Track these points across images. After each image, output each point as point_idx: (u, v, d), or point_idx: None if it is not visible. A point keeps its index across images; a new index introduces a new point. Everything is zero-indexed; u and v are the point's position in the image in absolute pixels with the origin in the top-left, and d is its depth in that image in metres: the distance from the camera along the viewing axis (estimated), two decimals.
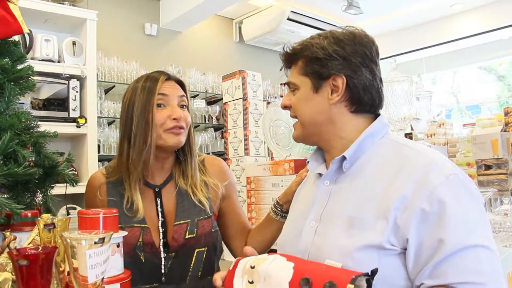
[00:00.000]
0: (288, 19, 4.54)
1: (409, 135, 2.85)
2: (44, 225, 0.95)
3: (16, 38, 1.51)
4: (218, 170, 1.53)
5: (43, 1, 3.11)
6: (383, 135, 1.11)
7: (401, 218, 0.92)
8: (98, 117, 3.38)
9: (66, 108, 3.16)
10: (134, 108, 1.36)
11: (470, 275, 0.86)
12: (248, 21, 4.89)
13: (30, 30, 3.06)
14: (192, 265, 1.36)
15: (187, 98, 1.45)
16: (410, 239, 0.91)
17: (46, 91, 3.14)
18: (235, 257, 1.52)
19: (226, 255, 1.60)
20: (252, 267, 0.93)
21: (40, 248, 0.88)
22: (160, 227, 1.37)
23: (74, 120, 3.17)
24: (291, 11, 4.52)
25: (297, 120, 1.17)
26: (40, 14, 3.14)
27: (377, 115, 1.14)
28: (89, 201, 1.47)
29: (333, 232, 1.02)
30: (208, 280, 1.36)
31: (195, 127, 4.18)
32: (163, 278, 1.33)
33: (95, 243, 0.84)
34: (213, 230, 1.41)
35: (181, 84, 1.46)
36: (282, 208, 1.42)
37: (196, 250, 1.36)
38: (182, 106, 1.42)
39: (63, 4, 3.25)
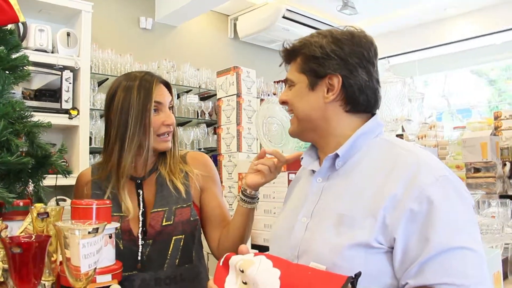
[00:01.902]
0: (284, 17, 4.54)
1: (400, 136, 2.87)
2: (38, 214, 0.96)
3: (12, 27, 1.51)
4: (200, 163, 1.56)
5: None
6: (377, 135, 1.12)
7: (390, 217, 0.93)
8: (90, 109, 3.37)
9: (58, 99, 3.14)
10: (130, 111, 1.40)
11: (454, 276, 0.87)
12: (244, 18, 4.89)
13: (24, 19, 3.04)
14: (169, 252, 1.40)
15: (173, 99, 1.52)
16: (398, 238, 0.92)
17: (38, 82, 3.11)
18: (210, 248, 1.53)
19: (206, 246, 1.61)
20: (242, 271, 0.93)
21: (34, 236, 0.88)
22: (140, 216, 1.41)
23: (66, 111, 3.15)
24: (287, 9, 4.53)
25: (293, 115, 1.18)
26: (34, 3, 3.11)
27: (373, 115, 1.15)
28: (77, 196, 1.53)
29: (323, 229, 1.03)
30: (185, 268, 1.42)
31: (188, 122, 4.18)
32: (139, 264, 1.37)
33: (89, 233, 0.85)
34: (192, 219, 1.45)
35: (168, 86, 1.52)
36: (245, 193, 1.42)
37: (174, 237, 1.40)
38: (170, 108, 1.49)
39: None
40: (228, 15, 5.02)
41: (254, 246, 2.17)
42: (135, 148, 1.40)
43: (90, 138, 3.38)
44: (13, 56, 1.45)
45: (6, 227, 1.16)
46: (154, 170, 1.49)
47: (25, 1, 3.01)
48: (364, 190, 1.01)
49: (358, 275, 0.86)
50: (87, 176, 1.52)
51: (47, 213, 0.96)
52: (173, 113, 1.51)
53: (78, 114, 3.20)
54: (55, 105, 3.13)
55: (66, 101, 3.16)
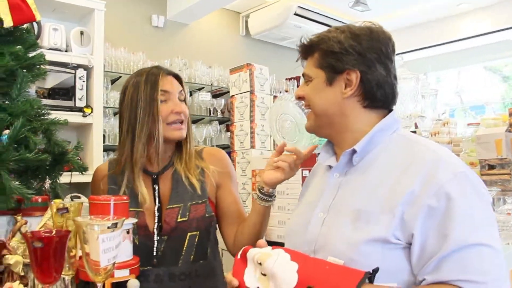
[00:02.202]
0: (295, 14, 4.52)
1: (413, 133, 2.84)
2: (57, 209, 0.97)
3: (28, 26, 1.53)
4: (216, 159, 1.56)
5: None
6: (394, 131, 1.12)
7: (408, 213, 0.93)
8: (104, 107, 3.40)
9: (71, 98, 3.16)
10: (139, 103, 1.43)
11: (472, 273, 0.87)
12: (255, 15, 4.89)
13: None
14: (184, 248, 1.41)
15: (184, 92, 1.52)
16: (416, 234, 0.92)
17: (52, 80, 3.14)
18: (226, 244, 1.53)
19: (221, 243, 1.62)
20: (260, 264, 0.94)
21: (54, 231, 0.89)
22: (156, 212, 1.43)
23: (80, 109, 3.18)
24: (298, 7, 4.51)
25: (310, 111, 1.18)
26: (48, 3, 3.14)
27: (390, 111, 1.15)
28: (94, 191, 1.54)
29: (340, 224, 1.03)
30: (200, 264, 1.42)
31: (200, 119, 4.19)
32: (155, 260, 1.38)
33: (108, 228, 0.86)
34: (207, 215, 1.45)
35: (178, 78, 1.53)
36: (262, 191, 1.42)
37: (189, 233, 1.41)
38: (181, 101, 1.49)
39: None
40: (240, 13, 5.02)
41: (268, 243, 2.17)
42: (145, 137, 1.42)
43: (104, 136, 3.40)
44: (30, 55, 1.47)
45: (26, 223, 1.18)
46: (170, 166, 1.50)
47: (39, 1, 3.02)
48: (382, 185, 1.00)
49: (376, 270, 0.87)
50: (103, 171, 1.54)
51: (66, 209, 0.98)
52: (186, 105, 1.51)
53: (91, 112, 3.23)
54: (69, 103, 3.16)
55: (80, 99, 3.19)
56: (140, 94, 1.43)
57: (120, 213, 1.09)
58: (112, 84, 3.61)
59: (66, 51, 3.21)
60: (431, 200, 0.92)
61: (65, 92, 3.17)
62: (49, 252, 0.85)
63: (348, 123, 1.12)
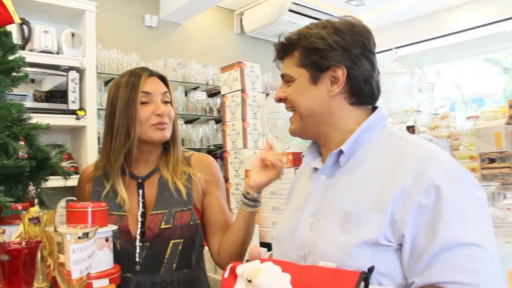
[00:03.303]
0: (290, 10, 4.47)
1: (411, 128, 2.81)
2: (29, 219, 0.93)
3: (12, 28, 1.50)
4: (204, 166, 1.52)
5: None
6: (381, 128, 1.08)
7: (398, 212, 0.90)
8: (98, 109, 3.35)
9: (65, 100, 3.13)
10: (118, 103, 1.41)
11: (462, 274, 0.83)
12: (249, 13, 4.83)
13: (28, 21, 3.04)
14: (167, 256, 1.37)
15: (170, 93, 1.49)
16: (406, 234, 0.88)
17: (48, 84, 3.11)
18: (211, 252, 1.49)
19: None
20: (249, 281, 0.89)
21: (24, 242, 0.86)
22: (139, 217, 1.39)
23: (73, 112, 3.14)
24: (292, 2, 4.45)
25: (293, 113, 1.13)
26: (38, 5, 3.10)
27: (374, 108, 1.12)
28: (80, 193, 1.51)
29: (329, 227, 0.99)
30: (183, 272, 1.38)
31: (196, 119, 4.15)
32: (137, 267, 1.34)
33: (79, 237, 0.82)
34: (192, 223, 1.41)
35: (163, 79, 1.50)
36: (247, 196, 1.38)
37: (172, 241, 1.37)
38: (165, 102, 1.46)
39: None
40: (234, 10, 4.97)
41: (262, 244, 2.14)
42: (122, 136, 1.39)
43: (98, 138, 3.36)
44: (10, 58, 1.43)
45: (3, 232, 1.14)
46: (157, 171, 1.47)
47: (28, 3, 3.01)
48: (370, 185, 0.97)
49: (371, 269, 0.83)
50: (89, 172, 1.51)
51: (37, 218, 0.93)
52: (173, 107, 1.48)
53: (85, 114, 3.19)
54: (63, 106, 3.12)
55: (73, 102, 3.14)
56: (120, 94, 1.41)
57: (99, 220, 1.06)
58: (105, 85, 3.57)
59: (57, 53, 3.16)
60: (421, 197, 0.88)
61: (62, 95, 3.14)
62: (18, 265, 0.82)
63: (335, 121, 1.08)
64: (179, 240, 1.38)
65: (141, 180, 1.45)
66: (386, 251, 0.90)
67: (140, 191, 1.43)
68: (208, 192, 1.49)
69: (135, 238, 1.36)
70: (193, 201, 1.44)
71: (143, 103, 1.41)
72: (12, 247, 0.83)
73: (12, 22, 1.41)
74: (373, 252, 0.90)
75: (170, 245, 1.37)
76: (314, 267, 0.90)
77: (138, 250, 1.35)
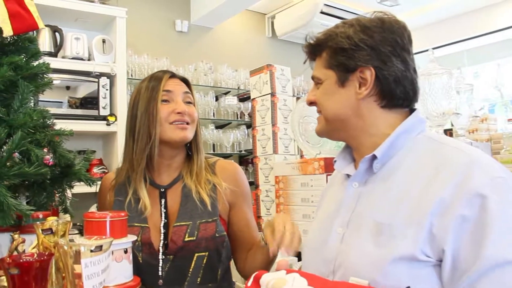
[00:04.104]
0: (321, 12, 4.39)
1: (449, 131, 2.69)
2: (42, 230, 0.89)
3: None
4: (229, 175, 1.46)
5: (73, 0, 3.11)
6: (419, 132, 1.00)
7: (438, 226, 0.82)
8: None
9: (97, 106, 3.16)
10: (139, 105, 1.37)
11: None
12: (281, 16, 4.78)
13: (60, 29, 3.09)
14: (191, 270, 1.30)
15: (192, 95, 1.45)
16: (447, 249, 0.80)
17: (82, 90, 3.16)
18: (236, 266, 1.44)
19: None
20: None
21: (36, 255, 0.82)
22: (162, 228, 1.33)
23: (104, 118, 3.16)
24: (324, 4, 4.38)
25: (320, 113, 1.08)
26: (70, 12, 3.14)
27: (412, 110, 1.03)
28: (101, 202, 1.48)
29: (361, 240, 0.92)
30: (209, 287, 1.32)
31: (227, 124, 4.12)
32: (160, 281, 1.29)
33: (91, 251, 0.77)
34: (217, 235, 1.34)
35: (186, 82, 1.46)
36: None
37: (196, 254, 1.31)
38: (187, 103, 1.42)
39: (93, 2, 3.24)
40: (265, 14, 4.93)
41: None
42: (144, 138, 1.35)
43: None
44: (34, 64, 1.42)
45: (24, 241, 1.12)
46: (180, 179, 1.41)
47: (61, 11, 3.06)
48: (407, 195, 0.89)
49: None
50: (109, 180, 1.47)
51: (50, 229, 0.90)
52: (196, 109, 1.44)
53: (115, 120, 3.20)
54: (94, 112, 3.15)
55: (104, 108, 3.17)
56: (141, 96, 1.38)
57: (117, 231, 1.01)
58: None
59: (88, 59, 3.20)
60: (464, 209, 0.80)
61: (95, 101, 3.17)
62: (28, 279, 0.77)
63: (366, 125, 1.01)
64: (204, 253, 1.31)
65: (163, 190, 1.40)
66: (424, 267, 0.83)
67: (163, 201, 1.38)
68: (234, 205, 1.43)
69: (158, 250, 1.31)
70: (218, 212, 1.37)
71: (164, 101, 1.38)
72: (24, 260, 0.79)
73: (36, 28, 1.40)
74: (409, 268, 0.83)
75: (195, 258, 1.31)
76: (343, 283, 0.84)
77: (161, 263, 1.30)
